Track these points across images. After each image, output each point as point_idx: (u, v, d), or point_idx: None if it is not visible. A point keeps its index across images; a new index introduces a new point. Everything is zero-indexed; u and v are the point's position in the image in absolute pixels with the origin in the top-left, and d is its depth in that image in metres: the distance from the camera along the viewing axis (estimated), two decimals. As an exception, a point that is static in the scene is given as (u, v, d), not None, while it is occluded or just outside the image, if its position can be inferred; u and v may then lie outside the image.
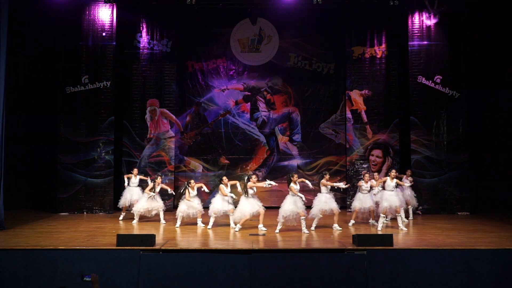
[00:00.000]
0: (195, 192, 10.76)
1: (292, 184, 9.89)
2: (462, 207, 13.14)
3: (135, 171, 12.14)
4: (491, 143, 14.09)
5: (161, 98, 14.00)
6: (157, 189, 11.22)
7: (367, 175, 11.04)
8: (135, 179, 11.95)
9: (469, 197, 13.22)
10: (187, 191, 10.66)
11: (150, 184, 11.29)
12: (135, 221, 11.26)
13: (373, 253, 7.88)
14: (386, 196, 10.38)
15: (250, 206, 10.11)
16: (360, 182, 10.96)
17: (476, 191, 13.62)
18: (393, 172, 10.67)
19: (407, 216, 11.50)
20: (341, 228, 10.21)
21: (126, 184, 11.99)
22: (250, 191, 10.16)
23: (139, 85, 14.01)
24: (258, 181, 10.51)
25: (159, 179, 11.34)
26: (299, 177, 10.27)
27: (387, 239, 8.20)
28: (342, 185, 10.75)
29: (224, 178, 10.77)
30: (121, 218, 11.75)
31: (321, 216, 10.19)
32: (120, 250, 7.91)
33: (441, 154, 13.37)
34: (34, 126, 14.35)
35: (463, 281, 7.74)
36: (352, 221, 10.87)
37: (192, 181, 10.84)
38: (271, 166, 14.56)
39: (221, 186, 10.51)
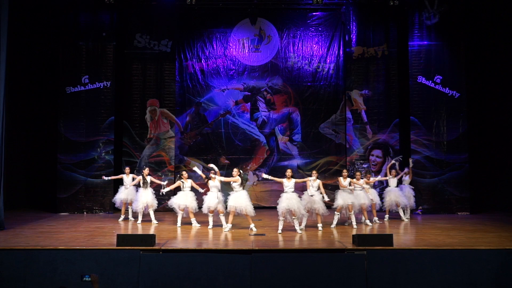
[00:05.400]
0: (189, 184, 10.73)
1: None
2: (462, 207, 13.14)
3: (127, 169, 11.94)
4: (491, 143, 14.07)
5: (161, 98, 14.01)
6: (148, 180, 11.21)
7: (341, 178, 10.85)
8: (127, 178, 11.77)
9: (469, 197, 13.22)
10: (181, 182, 10.71)
11: (138, 178, 11.31)
12: (139, 221, 11.21)
13: (373, 253, 7.87)
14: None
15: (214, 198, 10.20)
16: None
17: (476, 191, 13.62)
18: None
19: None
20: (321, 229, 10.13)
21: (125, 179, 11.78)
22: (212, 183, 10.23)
23: (139, 85, 14.02)
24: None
25: (146, 170, 11.32)
26: (299, 177, 10.17)
27: (387, 239, 8.19)
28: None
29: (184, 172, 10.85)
30: (121, 219, 11.66)
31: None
32: (120, 250, 7.91)
33: (441, 154, 13.37)
34: (34, 126, 14.36)
35: (463, 281, 7.73)
36: (375, 218, 11.03)
37: (183, 172, 10.90)
38: (271, 166, 14.54)
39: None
